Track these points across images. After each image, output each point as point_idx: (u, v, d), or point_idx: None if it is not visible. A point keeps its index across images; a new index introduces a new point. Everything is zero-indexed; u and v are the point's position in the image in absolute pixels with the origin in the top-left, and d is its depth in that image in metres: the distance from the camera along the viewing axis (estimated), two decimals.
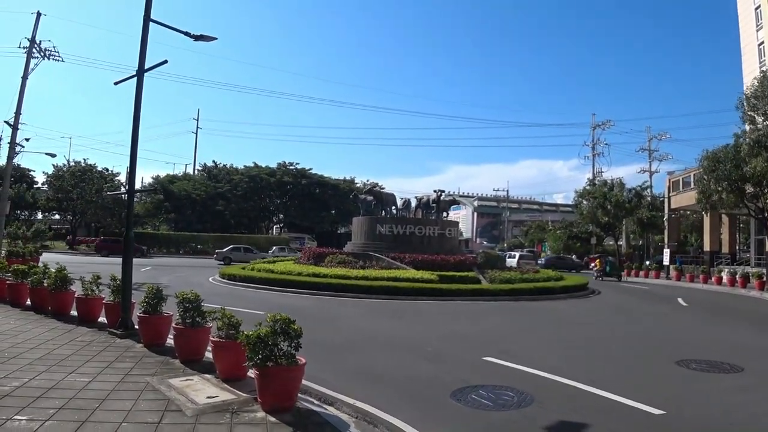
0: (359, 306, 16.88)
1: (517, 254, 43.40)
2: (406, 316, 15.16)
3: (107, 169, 59.46)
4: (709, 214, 36.98)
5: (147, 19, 10.19)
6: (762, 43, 40.12)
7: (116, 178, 59.39)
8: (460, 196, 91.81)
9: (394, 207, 32.85)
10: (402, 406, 6.50)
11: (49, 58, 31.84)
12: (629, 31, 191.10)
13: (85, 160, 58.03)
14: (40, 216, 64.55)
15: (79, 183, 53.46)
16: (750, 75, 38.02)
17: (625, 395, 6.99)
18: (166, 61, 10.39)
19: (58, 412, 5.32)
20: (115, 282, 10.29)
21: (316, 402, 6.20)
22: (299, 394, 6.03)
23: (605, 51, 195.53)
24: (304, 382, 6.16)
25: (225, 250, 42.57)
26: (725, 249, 40.62)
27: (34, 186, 62.74)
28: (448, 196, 33.80)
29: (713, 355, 9.96)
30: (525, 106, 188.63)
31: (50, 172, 56.35)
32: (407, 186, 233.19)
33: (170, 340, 8.61)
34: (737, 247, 43.89)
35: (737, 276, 28.99)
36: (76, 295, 11.41)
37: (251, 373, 6.05)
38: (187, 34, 10.91)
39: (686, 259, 42.47)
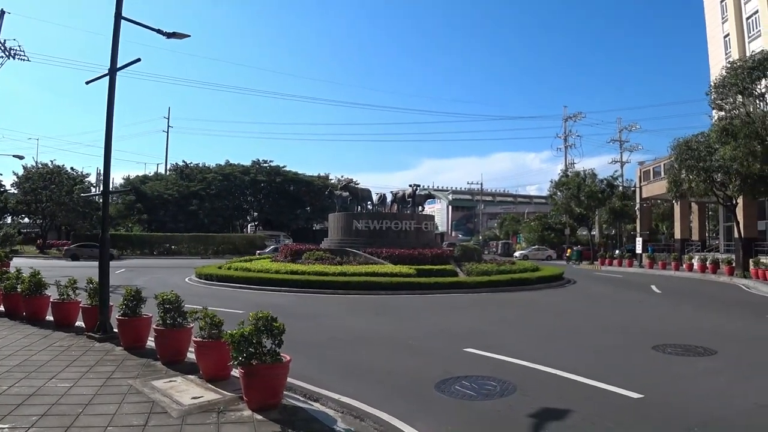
0: (338, 302, 16.89)
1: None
2: (385, 310, 15.21)
3: (74, 169, 58.01)
4: (679, 202, 37.78)
5: (118, 16, 10.02)
6: (727, 35, 40.86)
7: (86, 179, 58.19)
8: (435, 190, 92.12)
9: (369, 202, 32.89)
10: (387, 399, 6.55)
11: (14, 58, 31.15)
12: (599, 23, 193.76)
13: (52, 161, 56.67)
14: (9, 220, 62.94)
15: (48, 185, 52.21)
16: (716, 66, 38.80)
17: (605, 381, 7.14)
18: (139, 60, 10.23)
19: (41, 419, 5.24)
20: (91, 285, 10.14)
21: (301, 398, 6.21)
22: (284, 392, 6.04)
23: (575, 43, 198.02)
24: (288, 379, 6.16)
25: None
26: (695, 236, 41.51)
27: (2, 189, 61.11)
28: (423, 190, 33.93)
29: (688, 340, 10.22)
30: (496, 99, 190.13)
31: (20, 174, 54.97)
32: (382, 181, 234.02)
33: (150, 342, 8.53)
34: (707, 234, 44.90)
35: (707, 262, 29.65)
36: (51, 300, 11.21)
37: (235, 372, 6.04)
38: (159, 31, 10.76)
39: (658, 247, 43.45)
